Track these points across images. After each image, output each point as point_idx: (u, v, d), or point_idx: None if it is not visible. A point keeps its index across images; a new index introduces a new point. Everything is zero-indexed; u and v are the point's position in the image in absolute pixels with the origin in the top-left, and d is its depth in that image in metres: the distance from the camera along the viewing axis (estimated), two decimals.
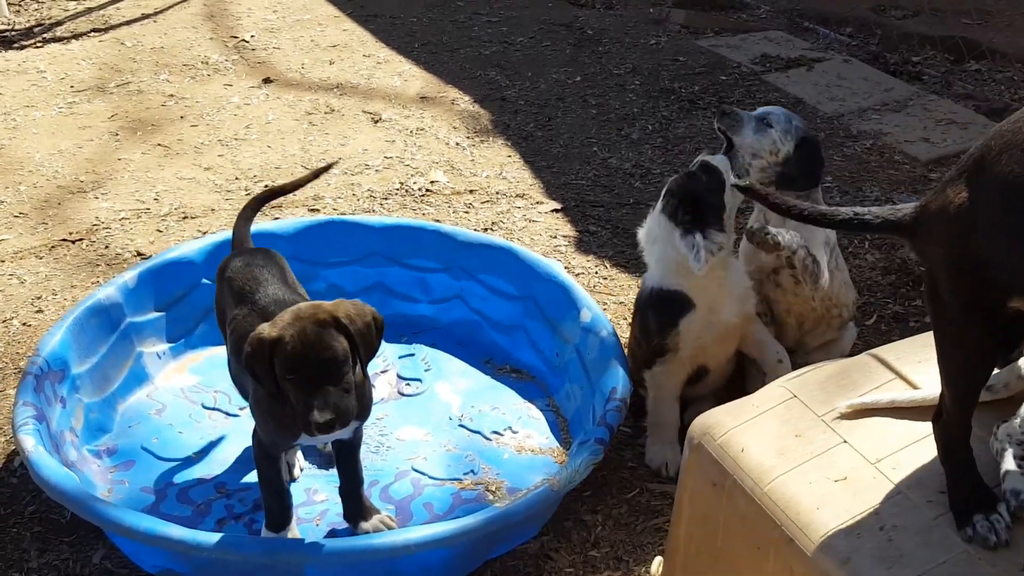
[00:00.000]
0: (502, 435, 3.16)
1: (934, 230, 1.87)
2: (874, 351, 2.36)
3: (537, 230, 4.18)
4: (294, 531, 2.71)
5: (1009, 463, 1.93)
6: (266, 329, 2.41)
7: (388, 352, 3.51)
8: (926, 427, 2.04)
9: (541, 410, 3.28)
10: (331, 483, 2.94)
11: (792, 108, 5.10)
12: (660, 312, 2.98)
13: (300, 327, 2.38)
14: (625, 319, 3.64)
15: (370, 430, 3.09)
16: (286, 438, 2.60)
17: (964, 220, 1.80)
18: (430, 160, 4.75)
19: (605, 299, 3.73)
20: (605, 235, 4.15)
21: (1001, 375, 2.11)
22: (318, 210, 4.33)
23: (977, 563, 1.82)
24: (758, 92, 5.32)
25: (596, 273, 3.90)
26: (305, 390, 2.35)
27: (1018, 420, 1.97)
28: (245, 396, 2.77)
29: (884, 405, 2.16)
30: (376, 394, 3.26)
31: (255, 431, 2.65)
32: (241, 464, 3.00)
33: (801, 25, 6.28)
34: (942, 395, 1.96)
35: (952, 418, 1.93)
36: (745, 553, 2.14)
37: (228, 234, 3.57)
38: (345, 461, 2.74)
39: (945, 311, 1.88)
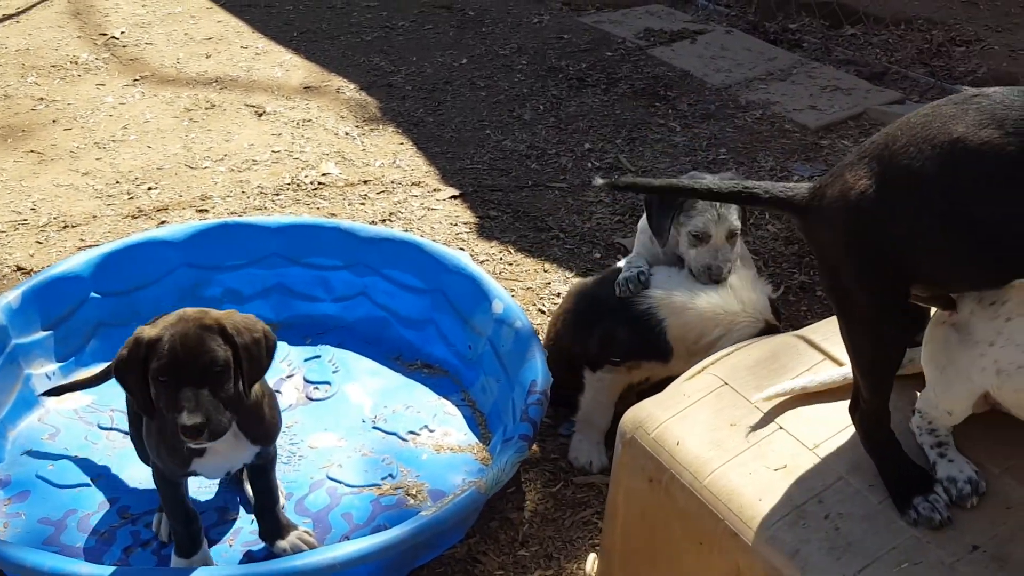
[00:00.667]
0: (419, 435, 3.07)
1: (831, 215, 1.84)
2: (801, 332, 2.33)
3: (436, 218, 4.08)
4: (206, 555, 2.57)
5: (931, 454, 1.92)
6: (146, 330, 2.29)
7: (293, 355, 3.37)
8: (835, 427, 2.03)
9: (457, 405, 3.19)
10: (243, 501, 2.81)
11: (680, 81, 5.11)
12: (638, 339, 2.85)
13: (182, 328, 2.26)
14: (534, 305, 3.57)
15: (280, 439, 2.94)
16: (178, 467, 2.45)
17: (866, 208, 1.77)
18: (320, 152, 4.60)
19: (512, 285, 3.66)
20: (507, 219, 4.07)
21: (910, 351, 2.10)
22: (207, 211, 4.15)
23: (927, 546, 1.80)
24: (645, 67, 5.30)
25: (501, 259, 3.82)
26: (176, 393, 2.22)
27: (917, 413, 1.95)
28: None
29: (800, 391, 2.13)
30: (283, 401, 3.13)
31: (152, 462, 2.52)
32: (144, 486, 2.84)
33: None
34: (856, 385, 1.94)
35: (869, 407, 1.91)
36: (687, 549, 2.09)
37: (114, 244, 3.40)
38: (258, 481, 2.61)
39: (852, 301, 1.85)
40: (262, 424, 2.49)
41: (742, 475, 2.01)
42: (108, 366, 2.78)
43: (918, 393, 1.98)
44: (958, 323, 1.86)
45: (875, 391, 1.89)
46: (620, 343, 2.85)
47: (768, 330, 2.72)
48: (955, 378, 1.86)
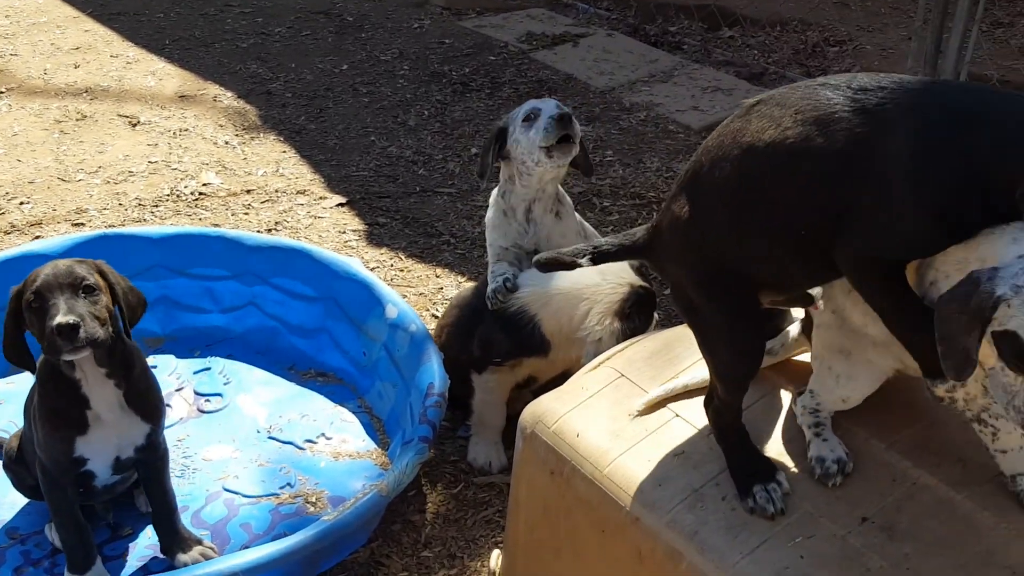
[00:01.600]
0: (316, 443, 3.04)
1: (668, 247, 1.96)
2: None
3: (324, 226, 4.05)
4: (101, 571, 2.51)
5: (808, 433, 2.00)
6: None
7: (181, 368, 3.31)
8: (750, 395, 2.09)
9: (354, 412, 3.17)
10: (136, 515, 2.75)
11: (564, 85, 5.18)
12: (515, 339, 2.88)
13: (53, 266, 2.30)
14: (427, 310, 3.58)
15: (172, 453, 2.89)
16: (64, 440, 2.39)
17: (693, 231, 1.90)
18: (199, 161, 4.52)
19: (405, 291, 3.66)
20: (396, 226, 4.06)
21: (775, 340, 2.18)
22: (83, 224, 4.05)
23: (819, 521, 1.87)
24: (528, 71, 5.35)
25: (392, 266, 3.82)
26: (47, 305, 2.24)
27: (807, 394, 2.03)
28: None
29: (682, 389, 2.18)
30: (173, 414, 3.08)
31: (38, 460, 2.45)
32: (33, 505, 2.75)
33: (561, 1, 6.36)
34: (712, 383, 2.02)
35: (723, 405, 2.00)
36: (590, 538, 2.12)
37: None
38: (153, 487, 2.56)
39: (704, 318, 1.95)
40: (149, 396, 2.46)
41: (641, 463, 2.06)
42: None
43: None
44: (838, 311, 1.94)
45: (731, 393, 1.98)
46: (499, 345, 2.90)
47: (638, 294, 2.78)
48: (859, 365, 1.93)
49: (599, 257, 2.07)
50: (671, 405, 2.15)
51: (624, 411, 2.16)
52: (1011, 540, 1.78)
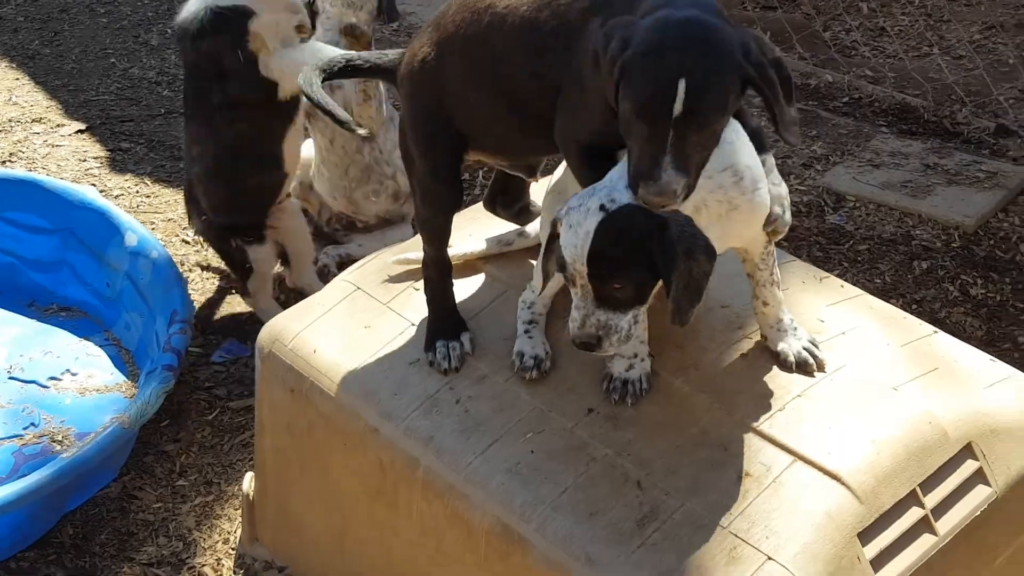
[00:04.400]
0: (60, 379, 2.94)
1: (403, 79, 2.04)
2: None
3: (63, 155, 3.86)
4: None
5: (519, 327, 2.05)
6: None
7: None
8: (483, 301, 2.14)
9: (100, 346, 3.08)
10: None
11: None
12: None
13: None
14: (177, 236, 3.48)
15: None
16: None
17: (426, 72, 1.97)
18: None
19: (152, 218, 3.54)
20: (140, 151, 3.91)
21: (512, 232, 2.25)
22: None
23: (548, 415, 1.94)
24: None
25: (137, 192, 3.68)
26: None
27: (527, 288, 2.09)
28: None
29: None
30: None
31: None
32: None
33: None
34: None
35: (427, 257, 2.10)
36: (333, 452, 2.14)
37: None
38: None
39: (413, 162, 2.06)
40: None
41: (378, 373, 2.08)
42: None
43: None
44: (560, 190, 1.99)
45: (431, 243, 2.09)
46: None
47: None
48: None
49: (351, 70, 2.16)
50: (406, 315, 2.17)
51: (360, 323, 2.17)
52: (722, 419, 1.90)
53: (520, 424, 1.95)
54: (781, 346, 1.95)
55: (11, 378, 2.93)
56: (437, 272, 2.10)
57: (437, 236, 2.07)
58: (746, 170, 1.74)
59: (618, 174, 1.68)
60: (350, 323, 2.18)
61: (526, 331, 2.02)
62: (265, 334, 2.25)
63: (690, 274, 1.64)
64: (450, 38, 1.92)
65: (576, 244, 1.64)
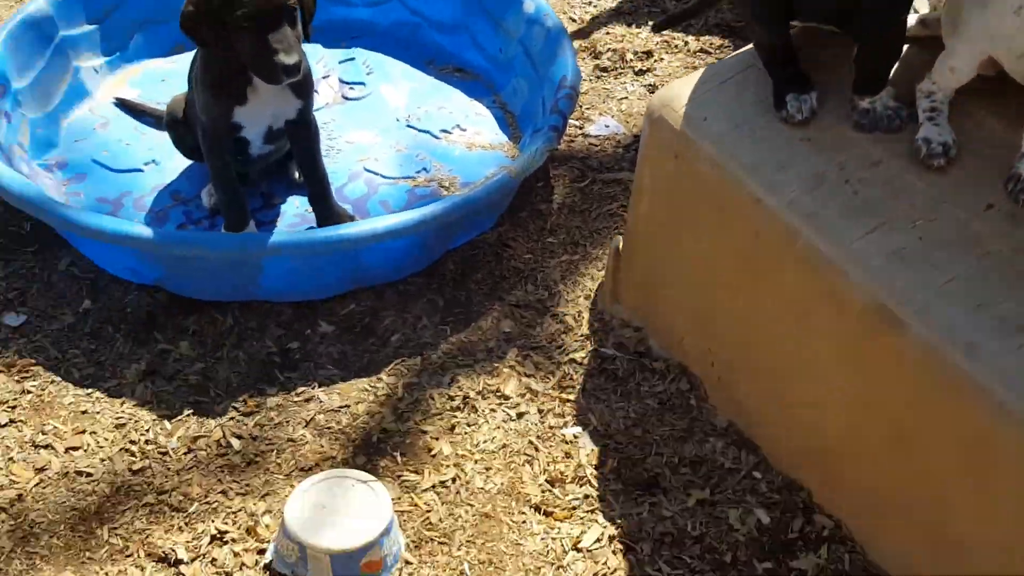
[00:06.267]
0: (451, 133, 3.15)
1: None
2: None
3: None
4: (254, 231, 2.71)
5: (922, 116, 2.01)
6: None
7: (327, 57, 3.41)
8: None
9: (488, 107, 3.26)
10: (288, 189, 2.93)
11: None
12: None
13: None
14: (564, 13, 3.57)
15: None
16: (224, 108, 2.56)
17: None
18: None
19: None
20: None
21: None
22: None
23: (942, 205, 1.90)
24: None
25: None
26: (266, 36, 2.33)
27: (926, 79, 2.02)
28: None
29: None
30: (320, 99, 3.20)
31: (199, 122, 2.62)
32: (194, 172, 2.95)
33: None
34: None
35: (759, 46, 2.21)
36: (709, 219, 2.20)
37: None
38: (307, 162, 2.71)
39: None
40: (307, 74, 2.58)
41: (763, 148, 2.09)
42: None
43: None
44: None
45: (759, 45, 2.22)
46: None
47: None
48: (965, 35, 1.90)
49: None
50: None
51: (752, 98, 2.18)
52: None
53: (911, 210, 1.92)
54: None
55: (408, 126, 3.17)
56: (772, 53, 2.16)
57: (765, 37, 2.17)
58: None
59: None
60: (742, 97, 2.20)
61: (930, 118, 1.97)
62: (656, 98, 2.30)
63: None
64: None
65: None
